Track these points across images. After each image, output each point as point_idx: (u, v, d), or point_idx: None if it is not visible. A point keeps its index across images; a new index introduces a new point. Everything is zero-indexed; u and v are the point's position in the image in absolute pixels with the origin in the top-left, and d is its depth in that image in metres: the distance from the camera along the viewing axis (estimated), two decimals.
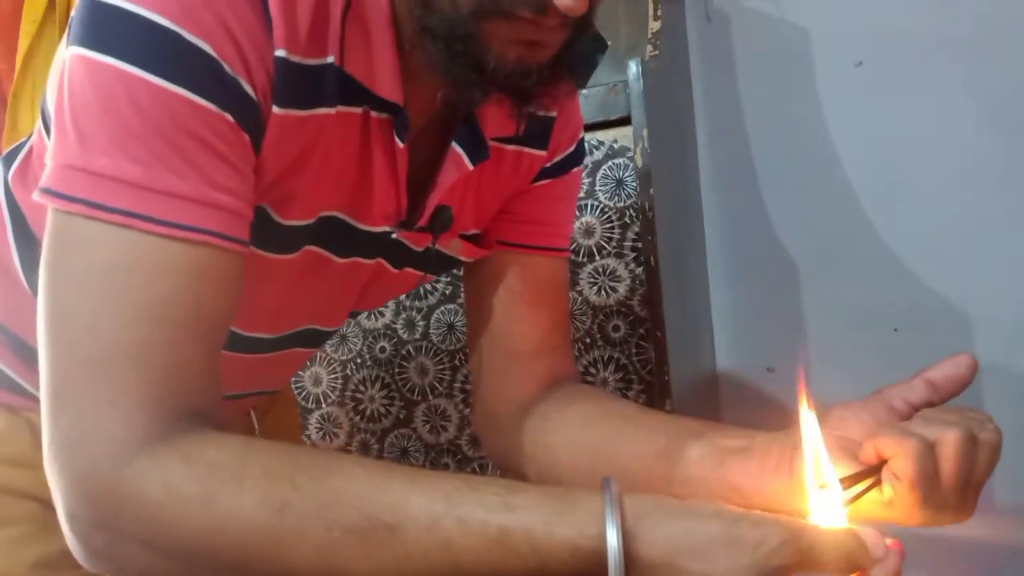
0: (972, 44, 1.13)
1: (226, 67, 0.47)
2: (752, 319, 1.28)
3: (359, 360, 1.18)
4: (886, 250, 1.19)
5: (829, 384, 1.22)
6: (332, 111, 0.54)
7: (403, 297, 1.14)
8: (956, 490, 0.50)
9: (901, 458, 0.49)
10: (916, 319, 1.18)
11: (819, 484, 0.49)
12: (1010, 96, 1.12)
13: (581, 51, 0.55)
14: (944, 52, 1.14)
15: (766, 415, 1.27)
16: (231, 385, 0.76)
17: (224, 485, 0.45)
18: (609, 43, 1.19)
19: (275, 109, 0.51)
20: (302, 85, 0.51)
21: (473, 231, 0.71)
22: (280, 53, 0.50)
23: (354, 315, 0.76)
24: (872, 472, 0.50)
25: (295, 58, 0.51)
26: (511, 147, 0.68)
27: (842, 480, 0.49)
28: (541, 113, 0.68)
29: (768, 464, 0.56)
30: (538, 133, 0.69)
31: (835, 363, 1.23)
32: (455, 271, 1.10)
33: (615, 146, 1.02)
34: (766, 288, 1.26)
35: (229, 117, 0.48)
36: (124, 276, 0.46)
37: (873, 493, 0.50)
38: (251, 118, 0.50)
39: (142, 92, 0.46)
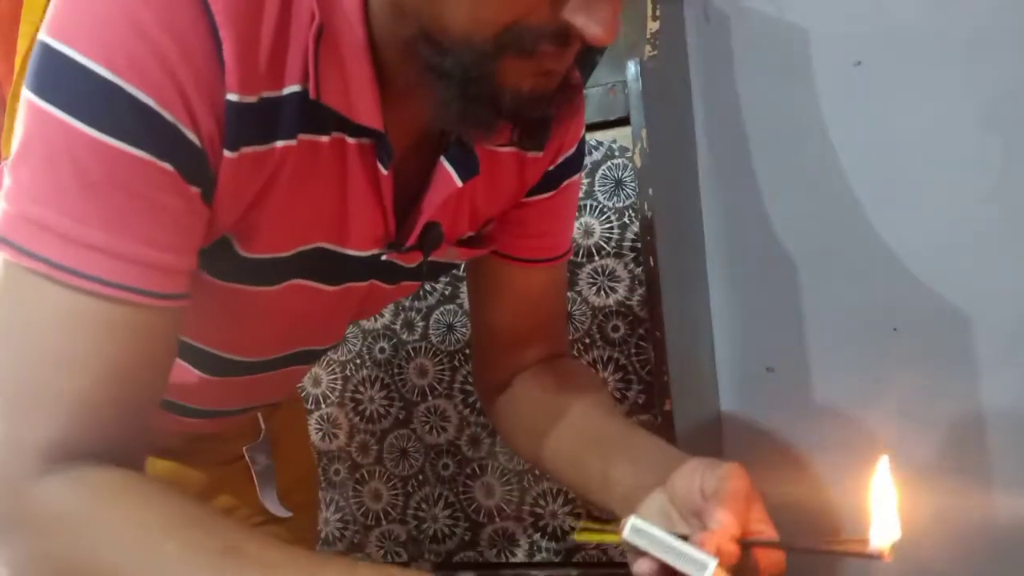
0: (972, 44, 1.13)
1: (169, 118, 0.47)
2: (752, 319, 1.27)
3: (358, 361, 1.18)
4: (886, 250, 1.19)
5: (829, 384, 1.23)
6: (293, 142, 0.52)
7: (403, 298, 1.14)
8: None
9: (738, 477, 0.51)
10: (916, 319, 1.18)
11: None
12: (1009, 96, 1.12)
13: (585, 64, 0.55)
14: (944, 52, 1.14)
15: (766, 415, 1.27)
16: (233, 402, 0.76)
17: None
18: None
19: (226, 153, 0.50)
20: (256, 122, 0.50)
21: (469, 234, 0.71)
22: (232, 97, 0.48)
23: (353, 323, 0.77)
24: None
25: (249, 99, 0.49)
26: (506, 150, 0.67)
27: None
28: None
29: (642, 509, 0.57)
30: (533, 135, 0.68)
31: (835, 363, 1.23)
32: (456, 272, 1.10)
33: (614, 146, 1.02)
34: (766, 288, 1.26)
35: (170, 167, 0.47)
36: (45, 327, 0.47)
37: None
38: (198, 168, 0.49)
39: (81, 145, 0.46)
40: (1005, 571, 1.15)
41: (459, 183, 0.60)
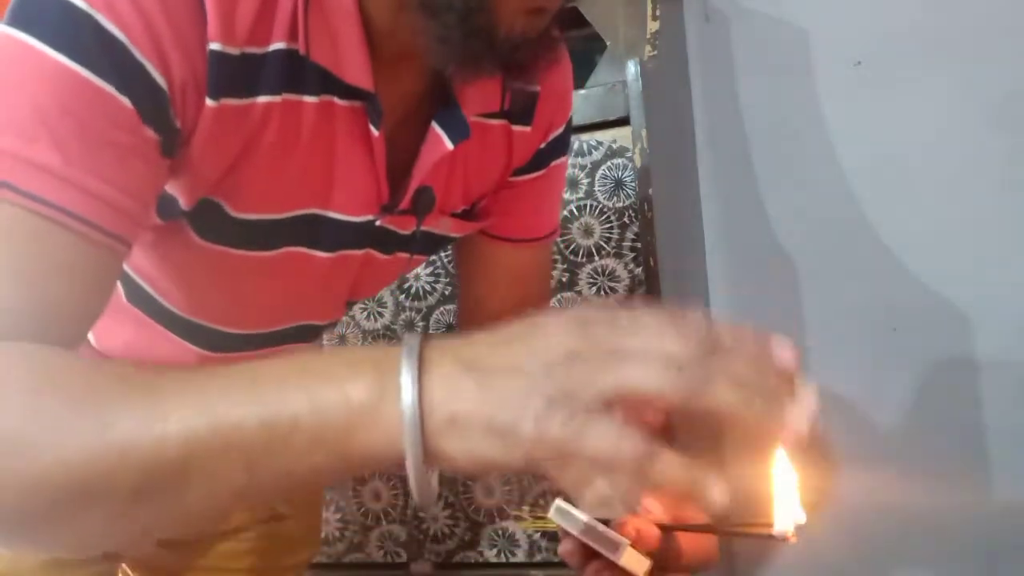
0: (972, 44, 1.13)
1: (138, 55, 0.47)
2: (752, 319, 1.28)
3: None
4: (886, 250, 1.19)
5: (829, 384, 1.23)
6: (277, 99, 0.53)
7: (402, 298, 1.14)
8: None
9: None
10: (915, 319, 1.18)
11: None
12: (1010, 96, 1.12)
13: (561, 19, 0.56)
14: (944, 52, 1.15)
15: None
16: None
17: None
18: (608, 44, 1.19)
19: (208, 102, 0.50)
20: (240, 74, 0.51)
21: (463, 208, 0.72)
22: (214, 46, 0.49)
23: (349, 305, 0.77)
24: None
25: (232, 49, 0.50)
26: (497, 122, 0.68)
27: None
28: (526, 88, 0.69)
29: None
30: (522, 108, 0.69)
31: (835, 363, 1.23)
32: (456, 271, 1.10)
33: (614, 146, 1.02)
34: (766, 288, 1.26)
35: (128, 104, 0.47)
36: None
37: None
38: (159, 112, 0.49)
39: (43, 69, 0.45)
40: (1005, 567, 1.15)
41: (450, 145, 0.61)
